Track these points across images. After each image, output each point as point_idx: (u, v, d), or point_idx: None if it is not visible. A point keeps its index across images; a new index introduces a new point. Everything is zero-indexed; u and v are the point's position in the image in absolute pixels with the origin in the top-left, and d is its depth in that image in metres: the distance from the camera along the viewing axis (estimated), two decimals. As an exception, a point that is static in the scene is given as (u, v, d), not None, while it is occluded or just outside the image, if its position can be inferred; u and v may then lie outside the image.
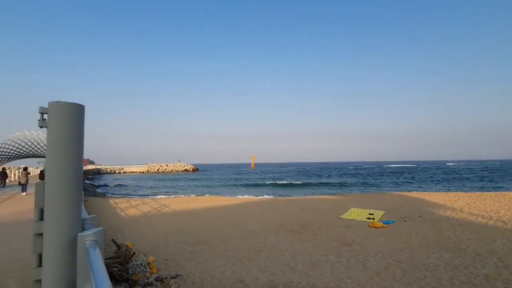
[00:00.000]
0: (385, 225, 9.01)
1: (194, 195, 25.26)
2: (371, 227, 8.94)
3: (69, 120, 1.67)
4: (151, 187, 35.83)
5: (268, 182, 40.06)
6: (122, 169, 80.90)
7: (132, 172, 79.38)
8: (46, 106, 1.65)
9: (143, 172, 79.94)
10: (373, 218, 10.14)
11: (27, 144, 24.95)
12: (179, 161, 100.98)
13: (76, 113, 1.71)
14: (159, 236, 7.96)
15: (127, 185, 38.63)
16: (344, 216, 10.79)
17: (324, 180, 42.43)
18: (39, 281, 1.62)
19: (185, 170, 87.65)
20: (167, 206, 14.01)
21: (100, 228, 1.56)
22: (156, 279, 4.78)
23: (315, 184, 36.41)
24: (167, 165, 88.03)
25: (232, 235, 8.09)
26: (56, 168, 1.62)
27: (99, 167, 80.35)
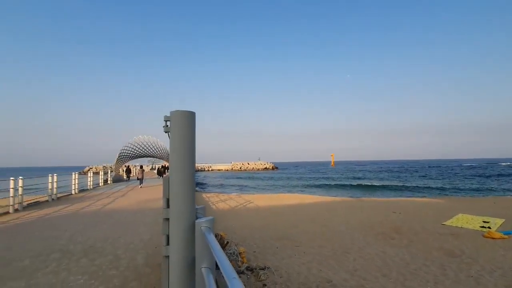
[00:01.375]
0: (505, 236, 7.33)
1: (275, 193, 25.97)
2: (486, 237, 7.41)
3: (184, 126, 2.00)
4: (234, 185, 38.60)
5: (351, 183, 37.76)
6: (210, 167, 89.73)
7: (219, 169, 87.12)
8: (169, 114, 2.02)
9: (227, 170, 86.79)
10: (489, 227, 8.38)
11: (142, 146, 30.60)
12: (259, 159, 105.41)
13: (189, 119, 2.03)
14: (246, 229, 8.54)
15: (215, 181, 42.70)
16: (448, 222, 9.26)
17: (418, 182, 37.22)
18: (167, 256, 2.00)
19: (265, 168, 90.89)
20: (251, 202, 14.86)
21: (212, 217, 1.82)
22: (247, 269, 5.16)
23: (404, 186, 32.27)
24: (248, 163, 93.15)
25: (316, 234, 8.00)
26: (177, 166, 1.97)
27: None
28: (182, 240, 1.92)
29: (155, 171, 40.23)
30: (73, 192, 14.38)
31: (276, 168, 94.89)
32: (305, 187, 33.13)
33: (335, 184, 35.88)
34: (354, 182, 37.84)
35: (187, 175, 1.98)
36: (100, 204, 10.32)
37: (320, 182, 39.49)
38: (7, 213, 8.67)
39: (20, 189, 9.11)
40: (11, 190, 8.85)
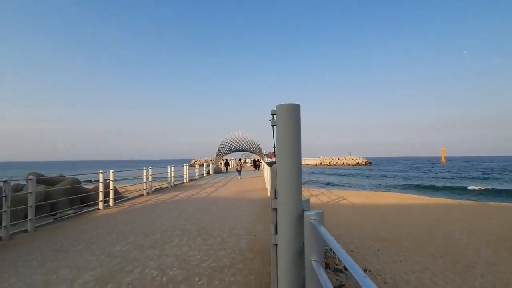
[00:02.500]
0: None
1: (369, 190, 23.91)
2: None
3: (290, 118, 2.03)
4: (323, 181, 37.47)
5: (470, 184, 31.03)
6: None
7: (307, 164, 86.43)
8: (275, 108, 2.09)
9: (315, 164, 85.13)
10: None
11: (236, 141, 33.54)
12: (350, 154, 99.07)
13: (294, 112, 2.05)
14: (341, 227, 8.18)
15: (303, 177, 42.57)
16: None
17: None
18: (275, 245, 2.09)
19: (357, 163, 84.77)
20: (344, 199, 14.14)
21: (321, 211, 1.79)
22: (345, 268, 4.94)
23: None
24: (338, 158, 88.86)
25: (425, 240, 6.94)
26: (284, 158, 2.02)
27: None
28: (290, 231, 1.97)
29: (248, 164, 43.22)
30: (184, 181, 16.96)
31: (370, 163, 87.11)
32: (406, 187, 29.09)
33: (450, 186, 30.02)
34: (476, 183, 30.93)
35: (294, 167, 2.01)
36: (206, 193, 11.81)
37: (427, 182, 33.86)
38: (142, 195, 10.97)
39: (150, 177, 11.36)
40: (144, 178, 11.14)
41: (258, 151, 38.49)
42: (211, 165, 28.13)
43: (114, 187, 9.00)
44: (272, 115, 2.09)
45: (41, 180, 9.67)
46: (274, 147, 3.23)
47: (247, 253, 4.13)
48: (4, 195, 5.00)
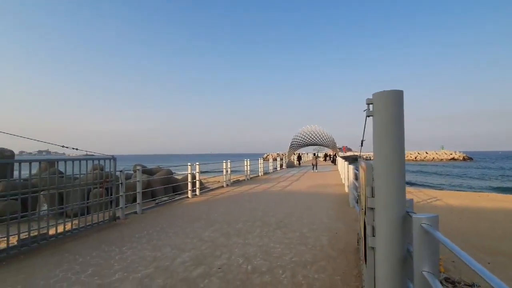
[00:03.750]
0: None
1: (469, 190, 20.16)
2: None
3: (390, 107, 1.80)
4: (407, 180, 33.27)
5: None
6: (369, 155, 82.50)
7: (388, 159, 78.14)
8: (370, 97, 1.89)
9: (399, 159, 76.23)
10: None
11: (309, 135, 32.93)
12: (442, 147, 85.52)
13: (395, 99, 1.80)
14: (442, 232, 7.11)
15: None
16: None
17: None
18: (373, 248, 1.91)
19: (452, 158, 72.49)
20: (438, 199, 12.28)
21: (435, 215, 1.53)
22: (446, 280, 4.25)
23: None
24: (426, 153, 77.76)
25: None
26: (384, 152, 1.81)
27: (357, 153, 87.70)
28: (391, 233, 1.76)
29: (321, 159, 41.92)
30: (259, 174, 17.57)
31: (470, 158, 73.32)
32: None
33: None
34: None
35: (397, 162, 1.78)
36: (281, 186, 11.95)
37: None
38: (222, 186, 11.83)
39: (229, 170, 12.16)
40: (224, 170, 11.98)
41: (333, 145, 36.87)
42: (283, 159, 28.36)
43: (199, 178, 9.96)
44: (368, 104, 1.89)
45: (144, 171, 11.45)
46: (362, 141, 2.97)
47: (330, 251, 3.97)
48: (120, 182, 6.08)
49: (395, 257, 1.76)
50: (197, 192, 9.57)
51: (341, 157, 26.63)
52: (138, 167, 7.30)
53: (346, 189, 9.77)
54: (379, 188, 1.83)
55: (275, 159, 25.28)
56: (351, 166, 7.35)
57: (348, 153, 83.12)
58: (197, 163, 9.83)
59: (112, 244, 4.33)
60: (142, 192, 6.92)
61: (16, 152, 11.03)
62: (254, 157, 21.90)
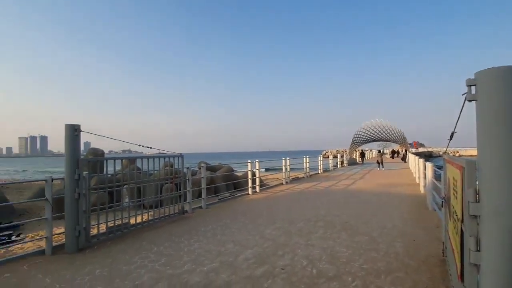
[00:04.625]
0: None
1: None
2: None
3: (503, 88, 1.40)
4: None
5: None
6: (458, 152, 71.73)
7: (470, 155, 67.52)
8: (472, 77, 1.51)
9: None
10: None
11: (374, 130, 30.48)
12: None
13: (509, 78, 1.40)
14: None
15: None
16: None
17: None
18: (476, 265, 1.53)
19: None
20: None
21: None
22: None
23: None
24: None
25: None
26: (491, 147, 1.42)
27: (430, 149, 77.80)
28: (505, 248, 1.37)
29: (387, 155, 38.42)
30: (319, 172, 16.96)
31: None
32: None
33: None
34: None
35: (508, 158, 1.38)
36: (343, 184, 11.27)
37: None
38: (281, 184, 11.75)
39: (288, 167, 12.01)
40: (283, 168, 11.88)
41: (402, 141, 33.39)
42: (344, 156, 26.86)
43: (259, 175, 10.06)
44: (469, 86, 1.51)
45: (207, 168, 12.14)
46: (452, 133, 2.48)
47: (407, 260, 3.48)
48: (187, 178, 6.50)
49: (508, 279, 1.37)
50: (257, 189, 9.68)
51: (412, 153, 23.88)
52: (202, 164, 7.72)
53: (422, 190, 8.64)
54: (487, 191, 1.45)
55: (335, 156, 24.12)
56: (429, 164, 6.43)
57: (421, 149, 74.28)
58: (257, 160, 9.94)
59: (181, 236, 4.62)
60: (206, 188, 7.28)
61: (106, 151, 12.89)
62: (312, 154, 21.26)
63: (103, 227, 4.60)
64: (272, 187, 11.12)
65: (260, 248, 3.98)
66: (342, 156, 25.61)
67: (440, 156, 71.44)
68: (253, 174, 9.71)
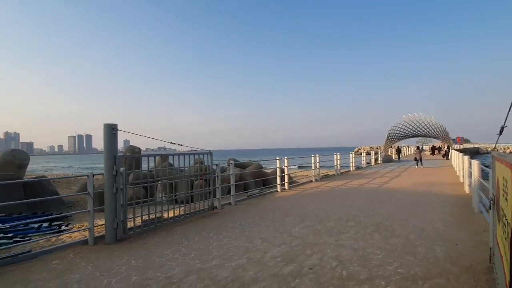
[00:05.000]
0: None
1: None
2: None
3: None
4: None
5: None
6: (508, 148, 64.82)
7: (526, 152, 60.48)
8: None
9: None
10: None
11: (412, 126, 28.62)
12: None
13: None
14: None
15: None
16: None
17: None
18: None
19: None
20: None
21: None
22: None
23: None
24: None
25: None
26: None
27: (477, 145, 71.26)
28: None
29: (427, 152, 35.90)
30: (351, 169, 16.36)
31: None
32: None
33: None
34: None
35: None
36: (377, 183, 10.74)
37: None
38: (311, 181, 11.53)
39: (317, 164, 11.75)
40: (312, 165, 11.64)
41: (444, 136, 30.95)
42: (378, 152, 25.61)
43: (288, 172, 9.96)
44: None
45: (236, 164, 12.30)
46: (502, 127, 2.23)
47: (449, 266, 3.21)
48: (216, 175, 6.63)
49: None
50: (286, 186, 9.60)
51: (456, 150, 22.04)
52: (231, 161, 7.84)
53: (467, 190, 7.95)
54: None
55: (368, 153, 23.10)
56: (475, 161, 5.87)
57: (466, 145, 68.25)
58: (285, 157, 9.85)
59: (211, 232, 4.73)
60: (235, 185, 7.37)
61: (143, 148, 13.63)
62: (344, 151, 20.55)
63: (138, 221, 4.86)
64: (301, 184, 10.96)
65: (288, 246, 3.93)
66: (376, 153, 24.44)
67: (488, 153, 65.27)
68: (282, 171, 9.64)
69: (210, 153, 6.22)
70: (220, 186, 6.65)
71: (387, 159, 25.08)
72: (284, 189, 9.50)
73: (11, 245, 4.66)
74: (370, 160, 22.10)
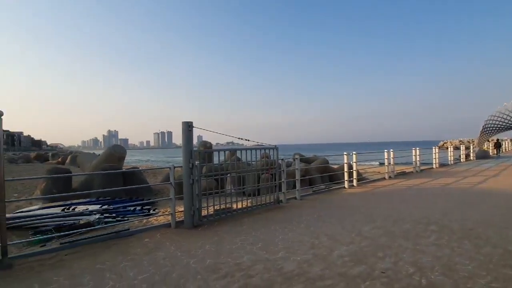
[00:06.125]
0: None
1: None
2: None
3: None
4: None
5: None
6: None
7: None
8: None
9: None
10: None
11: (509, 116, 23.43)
12: None
13: None
14: None
15: None
16: None
17: None
18: None
19: None
20: None
21: None
22: None
23: None
24: None
25: None
26: None
27: None
28: None
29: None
30: (434, 166, 14.41)
31: None
32: None
33: None
34: None
35: None
36: (468, 182, 9.22)
37: None
38: (384, 178, 10.62)
39: (392, 160, 10.73)
40: (386, 161, 10.69)
41: None
42: (471, 147, 21.80)
43: (357, 168, 9.39)
44: None
45: (302, 159, 12.19)
46: None
47: None
48: (282, 169, 6.73)
49: None
50: (354, 183, 9.08)
51: None
52: (296, 156, 7.82)
53: None
54: None
55: (456, 148, 19.89)
56: None
57: None
58: (354, 152, 9.31)
59: (277, 225, 4.86)
60: (301, 180, 7.34)
61: (213, 143, 14.75)
62: (425, 145, 18.13)
63: (211, 210, 5.33)
64: (372, 181, 10.20)
65: (357, 246, 3.75)
66: (467, 148, 20.88)
67: None
68: (350, 167, 9.14)
69: (276, 148, 6.34)
70: (285, 181, 6.73)
71: (483, 155, 21.12)
72: (353, 185, 9.00)
73: (115, 223, 5.67)
74: (460, 155, 19.02)
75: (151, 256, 3.60)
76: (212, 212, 5.27)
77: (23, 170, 18.77)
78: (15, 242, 4.27)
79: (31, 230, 5.92)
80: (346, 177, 8.80)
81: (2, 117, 3.30)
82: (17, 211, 7.22)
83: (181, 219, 5.07)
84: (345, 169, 8.89)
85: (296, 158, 7.57)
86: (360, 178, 10.45)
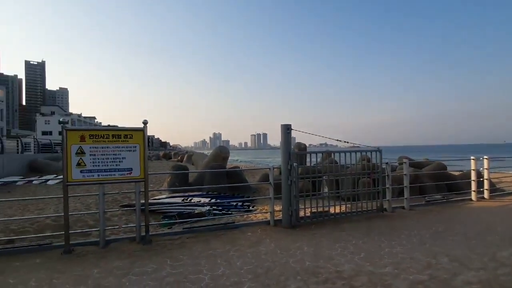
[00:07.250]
0: None
1: None
2: None
3: None
4: None
5: None
6: None
7: None
8: None
9: None
10: None
11: None
12: None
13: None
14: None
15: None
16: None
17: None
18: None
19: None
20: None
21: None
22: None
23: None
24: None
25: None
26: None
27: None
28: None
29: None
30: None
31: None
32: None
33: None
34: None
35: None
36: None
37: None
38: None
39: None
40: None
41: None
42: None
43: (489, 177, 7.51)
44: None
45: (411, 164, 10.66)
46: None
47: None
48: (386, 174, 6.08)
49: None
50: (486, 194, 7.29)
51: None
52: (404, 160, 6.89)
53: None
54: None
55: None
56: None
57: None
58: (485, 156, 7.49)
59: (381, 235, 4.41)
60: (410, 187, 6.44)
61: (307, 145, 14.69)
62: None
63: (307, 211, 5.32)
64: (510, 194, 7.95)
65: (490, 274, 3.01)
66: None
67: None
68: (479, 175, 7.39)
69: (379, 150, 5.79)
70: (390, 187, 6.04)
71: None
72: (483, 197, 7.25)
73: (221, 216, 6.39)
74: None
75: (254, 249, 3.89)
76: (309, 214, 5.27)
77: (155, 166, 23.60)
78: (152, 223, 5.41)
79: (162, 215, 7.36)
80: (473, 187, 7.17)
81: (147, 125, 4.26)
82: (152, 198, 9.12)
83: (278, 218, 5.28)
84: (473, 177, 7.25)
85: (404, 162, 6.68)
86: (493, 189, 8.30)
